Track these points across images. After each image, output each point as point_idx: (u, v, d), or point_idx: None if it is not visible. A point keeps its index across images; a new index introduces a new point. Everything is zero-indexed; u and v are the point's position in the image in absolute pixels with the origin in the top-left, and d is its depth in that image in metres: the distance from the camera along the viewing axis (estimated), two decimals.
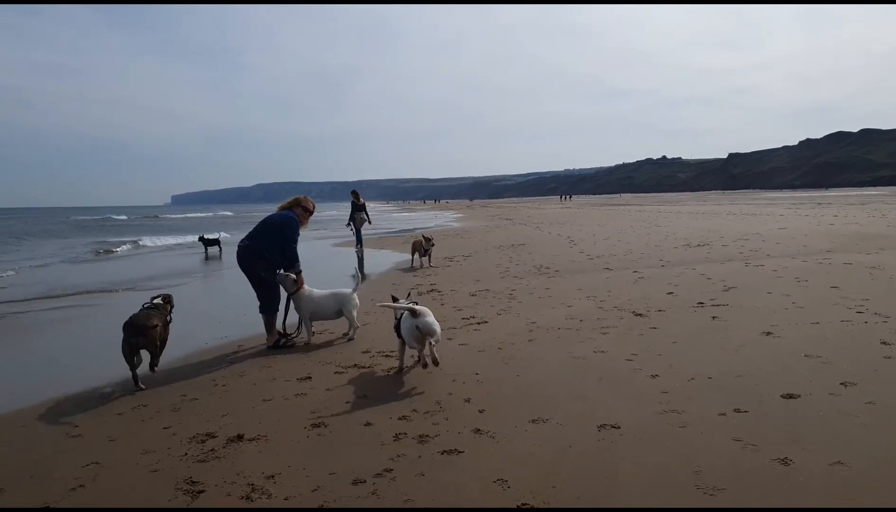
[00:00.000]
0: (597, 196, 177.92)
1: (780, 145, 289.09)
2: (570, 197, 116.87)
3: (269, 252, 6.85)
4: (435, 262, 14.49)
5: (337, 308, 7.04)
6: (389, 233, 29.80)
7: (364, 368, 5.74)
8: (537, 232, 23.99)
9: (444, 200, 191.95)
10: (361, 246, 19.44)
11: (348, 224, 19.84)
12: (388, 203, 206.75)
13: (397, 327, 5.57)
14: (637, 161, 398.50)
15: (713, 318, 7.04)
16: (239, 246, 7.03)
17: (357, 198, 20.13)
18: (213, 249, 20.25)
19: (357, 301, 7.16)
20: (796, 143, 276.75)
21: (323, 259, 18.16)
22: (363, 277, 7.38)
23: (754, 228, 19.75)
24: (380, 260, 16.78)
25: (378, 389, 5.09)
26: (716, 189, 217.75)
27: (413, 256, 14.43)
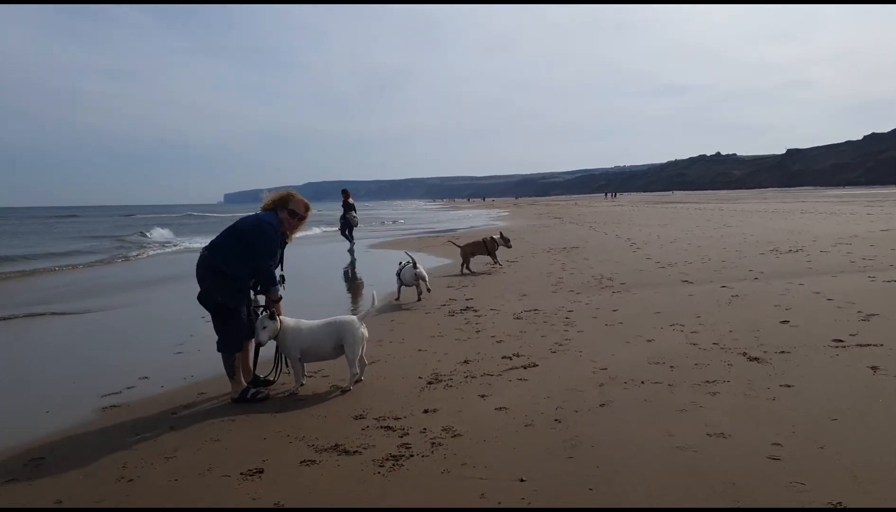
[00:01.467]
0: (648, 194, 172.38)
1: (842, 141, 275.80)
2: (615, 194, 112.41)
3: (232, 267, 4.82)
4: (475, 266, 12.51)
5: (335, 343, 5.06)
6: (430, 233, 27.88)
7: (349, 452, 3.73)
8: (592, 233, 21.66)
9: (490, 199, 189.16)
10: (353, 246, 19.08)
11: (342, 231, 19.85)
12: (434, 201, 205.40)
13: (399, 274, 9.46)
14: (690, 158, 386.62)
15: (873, 370, 4.78)
16: (200, 255, 5.05)
17: (347, 196, 19.91)
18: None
19: (365, 332, 5.14)
20: (860, 138, 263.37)
21: (360, 266, 16.31)
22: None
23: (849, 230, 16.98)
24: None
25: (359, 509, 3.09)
26: (772, 186, 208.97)
27: (466, 260, 12.57)
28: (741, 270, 10.34)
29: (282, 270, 5.21)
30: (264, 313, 4.90)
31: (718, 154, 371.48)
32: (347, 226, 19.78)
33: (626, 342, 6.04)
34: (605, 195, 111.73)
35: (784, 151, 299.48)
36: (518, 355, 5.75)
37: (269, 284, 4.95)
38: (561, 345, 6.09)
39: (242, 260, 4.85)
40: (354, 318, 5.09)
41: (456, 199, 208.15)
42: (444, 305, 8.88)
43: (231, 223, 5.07)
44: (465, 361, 5.67)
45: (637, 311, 7.55)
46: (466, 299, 9.19)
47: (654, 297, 8.40)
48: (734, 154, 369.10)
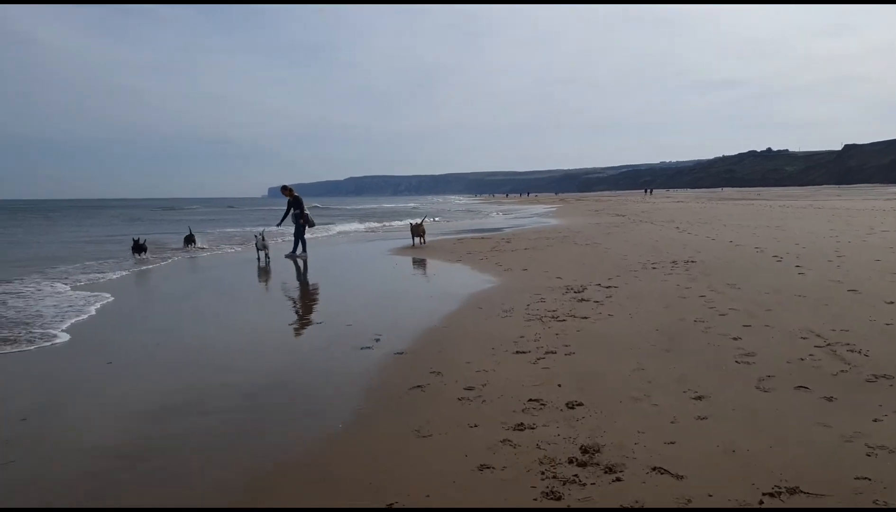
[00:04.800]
0: (697, 190, 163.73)
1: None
2: (651, 191, 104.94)
3: None
4: (549, 295, 7.65)
5: None
6: (471, 232, 23.00)
7: None
8: (688, 237, 16.41)
9: (534, 194, 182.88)
10: (299, 252, 15.31)
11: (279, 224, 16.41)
12: (475, 197, 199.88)
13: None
14: (738, 154, 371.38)
15: None
16: None
17: (290, 193, 15.81)
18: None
19: None
20: None
21: (383, 274, 11.60)
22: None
23: None
24: (450, 284, 10.06)
25: None
26: (827, 183, 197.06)
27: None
28: None
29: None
30: None
31: (769, 150, 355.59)
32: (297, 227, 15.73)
33: None
34: (646, 191, 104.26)
35: (841, 147, 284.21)
36: None
37: None
38: None
39: None
40: None
41: (495, 195, 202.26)
42: (525, 407, 4.06)
43: None
44: None
45: None
46: (570, 407, 4.32)
47: None
48: (786, 150, 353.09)
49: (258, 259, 14.20)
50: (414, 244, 17.00)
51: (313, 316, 8.22)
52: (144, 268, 13.68)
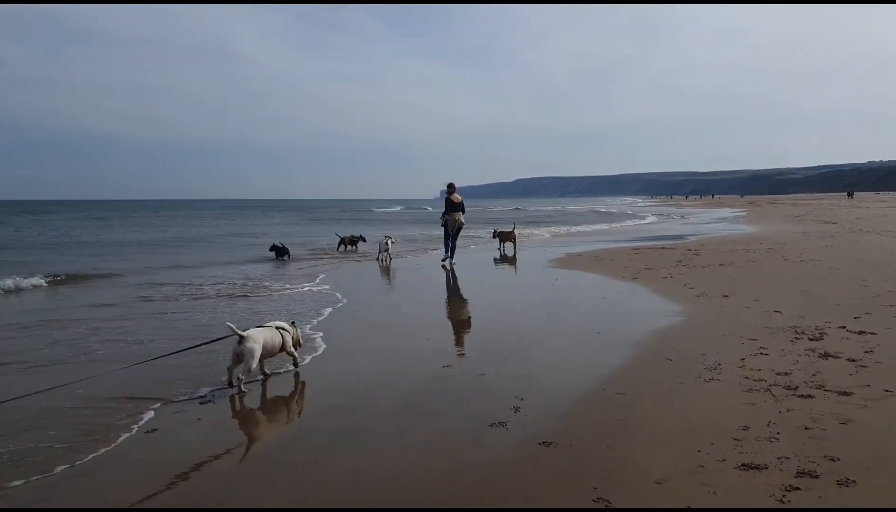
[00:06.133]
0: None
1: None
2: (852, 194, 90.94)
3: None
4: (771, 342, 5.22)
5: None
6: (649, 240, 20.06)
7: None
8: None
9: (717, 196, 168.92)
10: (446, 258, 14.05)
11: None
12: (651, 198, 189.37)
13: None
14: None
15: None
16: None
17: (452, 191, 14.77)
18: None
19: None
20: None
21: (536, 292, 9.69)
22: None
23: None
24: (623, 314, 7.73)
25: None
26: None
27: None
28: None
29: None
30: None
31: None
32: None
33: None
34: (849, 195, 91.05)
35: None
36: None
37: None
38: None
39: None
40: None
41: (673, 197, 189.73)
42: None
43: None
44: None
45: None
46: None
47: None
48: None
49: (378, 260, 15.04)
50: (502, 253, 16.32)
51: (439, 356, 6.04)
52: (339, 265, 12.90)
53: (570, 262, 14.06)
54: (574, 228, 30.87)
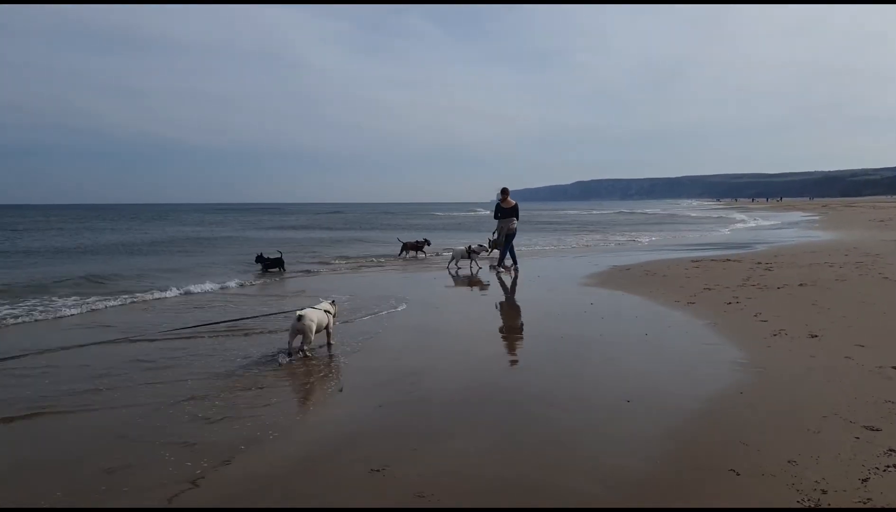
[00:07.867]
0: None
1: None
2: None
3: None
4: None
5: None
6: (711, 248, 17.40)
7: None
8: None
9: (786, 199, 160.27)
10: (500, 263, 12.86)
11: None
12: (716, 201, 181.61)
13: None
14: None
15: None
16: None
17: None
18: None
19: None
20: None
21: (558, 327, 7.58)
22: None
23: None
24: (665, 366, 5.49)
25: None
26: None
27: None
28: None
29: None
30: None
31: None
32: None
33: None
34: None
35: None
36: None
37: None
38: None
39: None
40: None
41: (738, 199, 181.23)
42: None
43: None
44: None
45: None
46: None
47: None
48: None
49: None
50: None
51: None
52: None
53: (614, 278, 11.79)
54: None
